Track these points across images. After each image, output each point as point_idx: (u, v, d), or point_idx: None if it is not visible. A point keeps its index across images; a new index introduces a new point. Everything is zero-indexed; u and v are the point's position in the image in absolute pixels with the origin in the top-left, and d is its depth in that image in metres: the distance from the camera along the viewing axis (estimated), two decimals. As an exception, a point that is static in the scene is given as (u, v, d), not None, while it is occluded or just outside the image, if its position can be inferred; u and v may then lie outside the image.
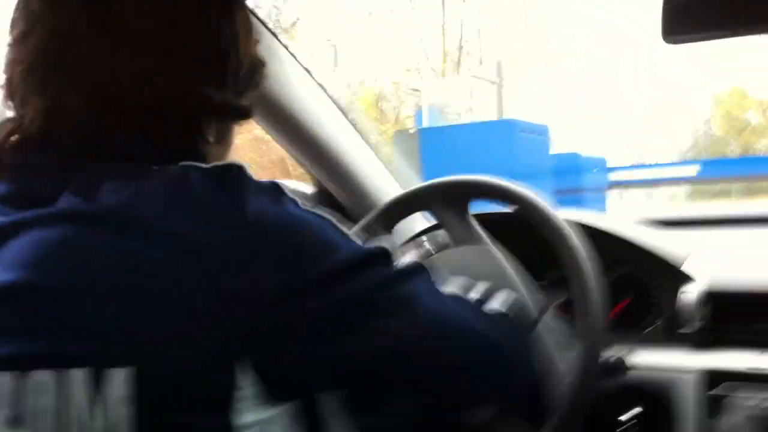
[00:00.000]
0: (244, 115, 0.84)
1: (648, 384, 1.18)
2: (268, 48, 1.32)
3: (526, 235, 1.14)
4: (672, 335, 1.25)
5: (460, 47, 21.47)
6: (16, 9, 0.77)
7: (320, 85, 1.48)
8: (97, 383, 0.64)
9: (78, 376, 0.64)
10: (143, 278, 0.65)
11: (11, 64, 0.76)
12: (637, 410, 1.16)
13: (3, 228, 0.70)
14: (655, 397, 1.17)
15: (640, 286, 1.34)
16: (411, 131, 14.13)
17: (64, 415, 0.64)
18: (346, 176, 1.54)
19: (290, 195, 0.75)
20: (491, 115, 18.05)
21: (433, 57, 21.50)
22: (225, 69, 0.79)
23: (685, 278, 1.27)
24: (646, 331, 1.30)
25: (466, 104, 19.50)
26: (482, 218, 1.40)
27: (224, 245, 0.67)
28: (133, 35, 0.74)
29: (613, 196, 16.19)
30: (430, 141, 12.33)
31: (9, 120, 0.76)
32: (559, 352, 1.03)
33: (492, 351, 0.87)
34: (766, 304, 1.22)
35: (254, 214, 0.69)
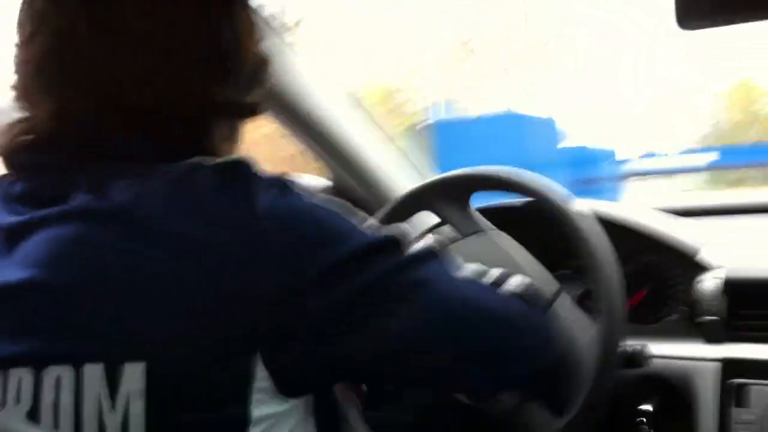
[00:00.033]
0: (251, 112, 0.84)
1: (668, 374, 1.17)
2: (278, 45, 1.33)
3: (541, 225, 1.14)
4: (690, 325, 1.24)
5: (473, 40, 21.41)
6: (22, 9, 0.78)
7: (333, 79, 1.48)
8: (112, 378, 0.65)
9: (94, 372, 0.65)
10: (143, 278, 0.66)
11: (21, 65, 0.77)
12: (656, 401, 1.16)
13: (17, 227, 0.71)
14: (675, 387, 1.16)
15: (657, 276, 1.33)
16: (423, 125, 14.11)
17: (82, 410, 0.65)
18: (360, 170, 1.54)
19: (298, 188, 0.75)
20: (503, 108, 17.98)
21: (446, 50, 21.44)
22: (226, 68, 0.79)
23: (703, 268, 1.27)
24: (664, 321, 1.30)
25: (479, 97, 19.44)
26: (495, 210, 1.40)
27: (224, 245, 0.67)
28: (133, 35, 0.74)
29: (627, 186, 16.11)
30: (442, 134, 12.30)
31: (20, 120, 0.76)
32: (576, 333, 1.03)
33: (513, 332, 0.86)
34: None
35: (262, 209, 0.69)
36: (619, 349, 1.02)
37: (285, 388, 0.71)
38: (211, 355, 0.66)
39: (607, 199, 1.59)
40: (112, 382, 0.65)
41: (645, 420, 1.14)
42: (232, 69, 0.79)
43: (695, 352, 1.19)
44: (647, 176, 17.60)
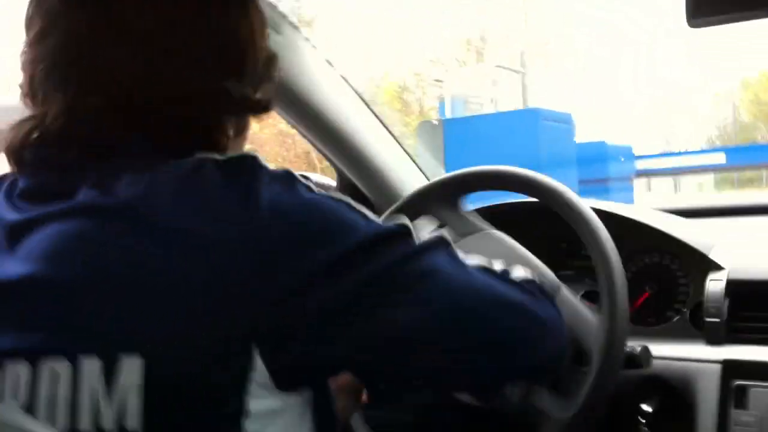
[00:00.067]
0: (258, 108, 0.83)
1: (668, 375, 1.17)
2: (290, 42, 1.33)
3: (543, 226, 1.14)
4: (697, 324, 1.24)
5: (483, 37, 21.36)
6: (30, 8, 0.78)
7: (343, 77, 1.49)
8: (109, 373, 0.64)
9: (91, 366, 0.65)
10: (146, 275, 0.66)
11: (33, 63, 0.76)
12: (658, 401, 1.16)
13: (20, 223, 0.71)
14: (676, 388, 1.17)
15: (666, 275, 1.33)
16: (434, 122, 14.08)
17: (77, 404, 0.65)
18: (370, 168, 1.55)
19: (304, 181, 0.74)
20: (515, 106, 17.94)
21: (456, 47, 21.40)
22: (230, 65, 0.79)
23: (712, 267, 1.26)
24: (670, 320, 1.30)
25: (490, 94, 19.39)
26: (496, 210, 1.41)
27: (229, 242, 0.67)
28: (134, 35, 0.74)
29: (639, 185, 16.02)
30: (453, 132, 12.28)
31: (29, 117, 0.76)
32: (580, 326, 1.04)
33: (522, 322, 0.85)
34: None
35: (268, 203, 0.69)
36: (624, 350, 1.03)
37: (283, 383, 0.71)
38: (210, 354, 0.66)
39: (620, 199, 1.59)
40: (109, 377, 0.64)
41: (645, 420, 1.14)
42: (237, 65, 0.79)
43: (696, 353, 1.19)
44: (660, 175, 17.51)
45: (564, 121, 13.13)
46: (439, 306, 0.76)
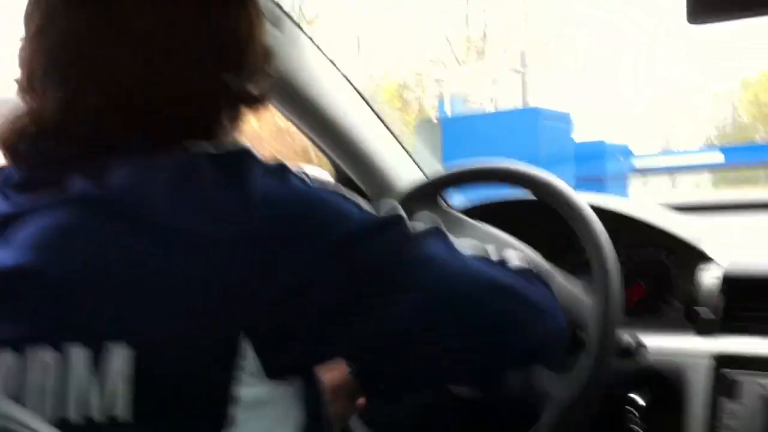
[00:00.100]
0: (255, 102, 0.83)
1: (660, 367, 1.19)
2: (291, 38, 1.34)
3: (543, 220, 1.15)
4: (689, 318, 1.25)
5: (484, 36, 21.33)
6: (31, 2, 0.77)
7: (344, 75, 1.50)
8: (96, 362, 0.64)
9: (78, 356, 0.65)
10: (139, 271, 0.66)
11: (31, 59, 0.76)
12: (649, 393, 1.17)
13: (13, 214, 0.71)
14: (667, 379, 1.18)
15: (659, 269, 1.34)
16: (434, 120, 14.05)
17: (64, 394, 0.65)
18: (368, 164, 1.55)
19: (297, 173, 0.74)
20: (515, 105, 17.91)
21: (456, 47, 21.37)
22: (230, 62, 0.79)
23: (705, 262, 1.28)
24: (663, 314, 1.31)
25: (489, 94, 19.37)
26: (494, 205, 1.42)
27: (230, 242, 0.67)
28: (134, 35, 0.74)
29: (636, 183, 15.99)
30: (452, 130, 12.26)
31: (27, 112, 0.76)
32: (576, 304, 1.05)
33: (519, 306, 0.85)
34: None
35: (262, 198, 0.69)
36: (616, 342, 1.04)
37: (275, 373, 0.71)
38: (202, 348, 0.66)
39: (615, 196, 1.60)
40: (97, 365, 0.64)
41: (637, 412, 1.16)
42: (237, 62, 0.80)
43: (688, 345, 1.20)
44: (657, 173, 17.47)
45: (563, 121, 13.12)
46: (435, 293, 0.77)
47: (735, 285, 1.24)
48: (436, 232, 0.81)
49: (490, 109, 17.45)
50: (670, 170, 17.37)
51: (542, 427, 1.02)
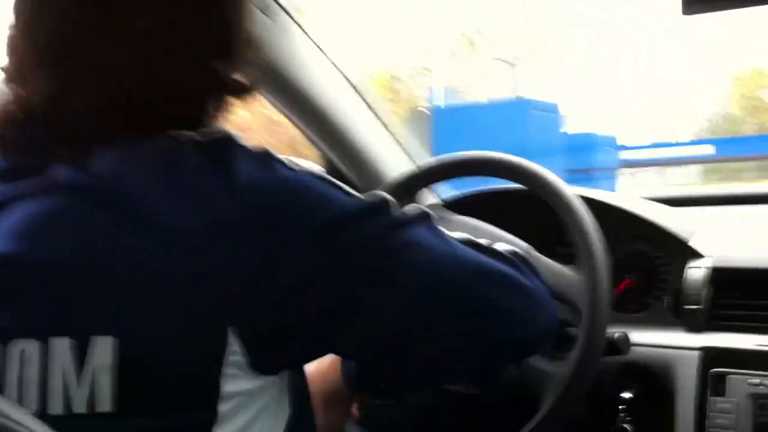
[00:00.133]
0: (245, 91, 0.83)
1: (649, 362, 1.18)
2: (281, 26, 1.33)
3: (531, 212, 1.15)
4: (677, 312, 1.25)
5: (476, 29, 21.31)
6: None
7: (334, 64, 1.49)
8: (80, 353, 0.64)
9: (62, 346, 0.64)
10: (130, 265, 0.65)
11: (22, 47, 0.75)
12: (637, 388, 1.17)
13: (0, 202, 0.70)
14: (656, 375, 1.18)
15: (647, 262, 1.34)
16: (424, 111, 14.04)
17: (48, 385, 0.65)
18: (359, 156, 1.54)
19: (282, 158, 0.74)
20: (505, 96, 17.92)
21: (448, 37, 21.34)
22: (228, 60, 0.79)
23: (693, 255, 1.28)
24: (651, 308, 1.31)
25: (481, 85, 19.37)
26: (484, 196, 1.42)
27: (216, 231, 0.67)
28: (134, 35, 0.73)
29: (625, 175, 16.04)
30: (443, 120, 12.27)
31: (14, 100, 0.75)
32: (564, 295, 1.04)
33: (511, 292, 0.85)
34: None
35: (247, 183, 0.69)
36: (604, 337, 1.03)
37: (261, 366, 0.70)
38: (203, 350, 0.66)
39: (604, 188, 1.60)
40: (80, 357, 0.64)
41: (625, 407, 1.15)
42: (234, 58, 0.80)
43: (676, 340, 1.20)
44: (645, 166, 17.52)
45: (551, 111, 13.15)
46: (422, 279, 0.76)
47: (724, 278, 1.24)
48: (423, 218, 0.80)
49: (481, 101, 17.43)
50: (660, 162, 17.43)
51: (532, 424, 1.02)
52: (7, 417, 0.52)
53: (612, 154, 14.58)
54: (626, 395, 1.16)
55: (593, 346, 1.00)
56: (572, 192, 1.09)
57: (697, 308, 1.22)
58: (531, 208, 1.18)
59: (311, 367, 1.01)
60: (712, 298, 1.23)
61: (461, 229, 1.07)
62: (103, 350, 0.64)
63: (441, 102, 15.67)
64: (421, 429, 1.22)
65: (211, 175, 0.69)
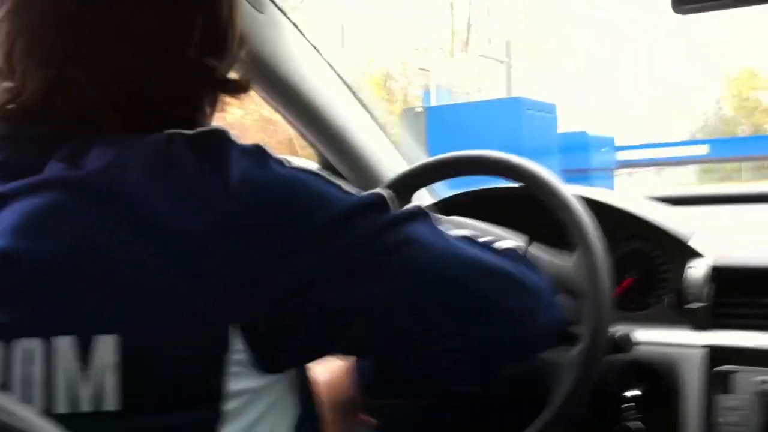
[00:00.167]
0: (239, 89, 0.82)
1: (654, 361, 1.18)
2: (272, 20, 1.32)
3: (529, 211, 1.14)
4: (678, 311, 1.24)
5: (469, 26, 21.38)
6: None
7: (329, 63, 1.48)
8: (83, 351, 0.63)
9: (65, 344, 0.64)
10: (127, 263, 0.65)
11: (8, 35, 0.74)
12: (641, 387, 1.16)
13: None
14: (661, 373, 1.17)
15: (647, 262, 1.33)
16: (418, 110, 14.08)
17: (52, 384, 0.64)
18: (354, 155, 1.54)
19: (276, 155, 0.73)
20: (500, 95, 17.99)
21: (442, 36, 21.41)
22: (227, 59, 0.79)
23: (693, 254, 1.27)
24: (653, 307, 1.30)
25: (475, 84, 19.43)
26: (482, 194, 1.41)
27: (208, 229, 0.66)
28: (134, 35, 0.73)
29: (622, 175, 16.12)
30: (437, 119, 12.30)
31: (5, 90, 0.74)
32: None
33: (513, 288, 0.84)
34: None
35: (241, 180, 0.68)
36: (606, 336, 1.02)
37: (265, 365, 0.70)
38: (202, 348, 0.65)
39: (601, 188, 1.59)
40: (83, 355, 0.63)
41: (630, 406, 1.14)
42: (220, 50, 0.79)
43: (681, 338, 1.19)
44: (642, 166, 17.61)
45: (547, 111, 13.19)
46: (421, 276, 0.75)
47: (723, 277, 1.23)
48: (422, 215, 0.79)
49: (476, 100, 17.49)
50: (656, 162, 17.51)
51: (537, 425, 1.01)
52: (15, 416, 0.51)
53: (609, 154, 14.64)
54: (630, 394, 1.15)
55: (596, 345, 0.99)
56: (570, 191, 1.08)
57: (700, 306, 1.21)
58: (528, 208, 1.17)
59: (321, 377, 1.01)
60: (714, 296, 1.22)
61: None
62: (107, 349, 0.63)
63: (436, 101, 15.70)
64: (421, 429, 1.21)
65: (210, 175, 0.68)
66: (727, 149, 17.43)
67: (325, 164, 1.57)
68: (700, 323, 1.21)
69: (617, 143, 15.93)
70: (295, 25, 1.38)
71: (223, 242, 0.66)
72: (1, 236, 0.66)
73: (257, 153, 0.72)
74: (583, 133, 14.72)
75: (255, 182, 0.69)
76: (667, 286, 1.30)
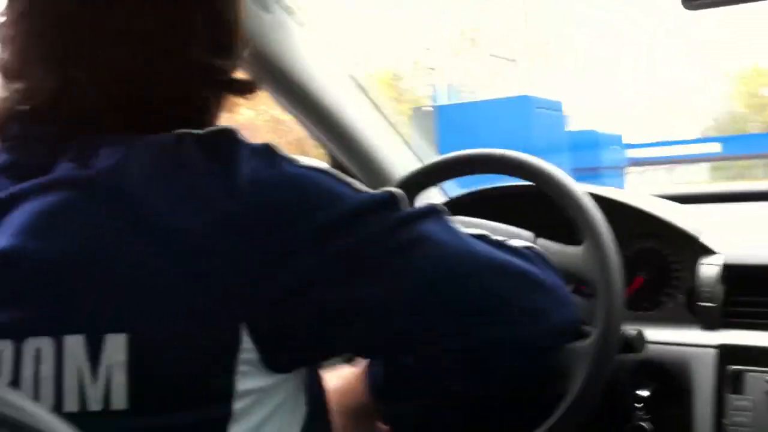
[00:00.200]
0: (248, 90, 0.82)
1: (664, 360, 1.17)
2: (279, 20, 1.32)
3: (537, 209, 1.14)
4: (690, 309, 1.24)
5: (478, 26, 21.35)
6: None
7: (338, 63, 1.48)
8: (93, 350, 0.63)
9: (75, 343, 0.64)
10: (134, 264, 0.65)
11: (18, 37, 0.75)
12: (653, 386, 1.16)
13: (4, 200, 0.70)
14: (672, 373, 1.16)
15: (659, 260, 1.33)
16: (428, 109, 14.07)
17: (62, 382, 0.64)
18: (364, 154, 1.54)
19: (285, 154, 0.73)
20: (509, 94, 17.95)
21: (451, 36, 21.39)
22: (229, 59, 0.79)
23: (705, 252, 1.26)
24: (664, 305, 1.29)
25: (483, 83, 19.40)
26: (491, 193, 1.41)
27: (218, 230, 0.66)
28: (134, 35, 0.73)
29: (633, 174, 16.05)
30: (446, 118, 12.29)
31: (15, 91, 0.74)
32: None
33: (529, 284, 0.83)
34: None
35: (251, 180, 0.68)
36: (618, 335, 1.02)
37: (277, 363, 0.70)
38: (211, 354, 0.65)
39: (611, 186, 1.59)
40: (94, 354, 0.63)
41: (641, 406, 1.14)
42: (234, 56, 0.80)
43: (692, 338, 1.19)
44: (652, 164, 17.53)
45: (555, 109, 13.16)
46: (435, 274, 0.74)
47: (736, 275, 1.23)
48: (434, 213, 0.78)
49: (485, 99, 17.46)
50: (667, 160, 17.42)
51: (545, 424, 1.00)
52: (26, 413, 0.51)
53: (619, 152, 14.58)
54: (642, 393, 1.15)
55: (608, 343, 0.99)
56: (581, 189, 1.08)
57: (713, 306, 1.20)
58: (537, 206, 1.16)
59: (334, 384, 1.01)
60: (725, 296, 1.21)
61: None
62: (117, 347, 0.63)
63: (445, 100, 15.69)
64: (421, 429, 1.21)
65: (212, 174, 0.68)
66: (739, 146, 17.34)
67: (336, 164, 1.57)
68: (712, 322, 1.20)
69: (627, 141, 15.89)
70: (304, 26, 1.38)
71: (222, 242, 0.66)
72: (12, 236, 0.67)
73: (267, 152, 0.72)
74: (593, 132, 14.69)
75: (260, 181, 0.69)
76: (679, 284, 1.29)
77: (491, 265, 0.80)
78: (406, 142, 1.62)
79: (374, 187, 0.77)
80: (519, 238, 0.97)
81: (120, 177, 0.67)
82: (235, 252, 0.66)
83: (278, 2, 1.31)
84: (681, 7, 0.77)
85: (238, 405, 0.67)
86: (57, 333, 0.64)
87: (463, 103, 15.16)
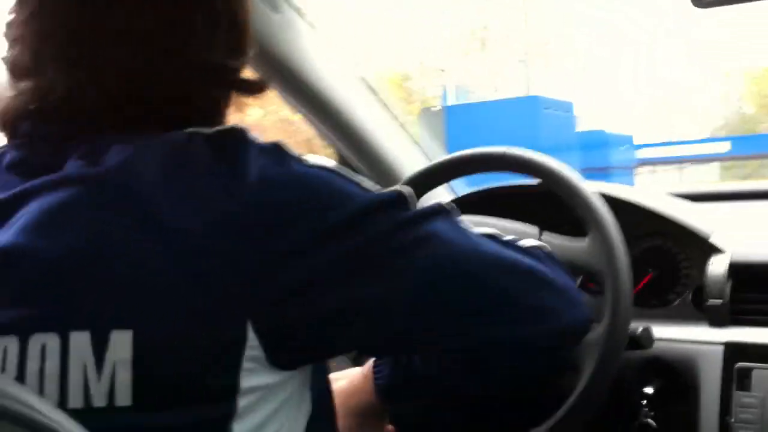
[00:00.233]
0: (257, 89, 0.82)
1: (671, 357, 1.17)
2: (288, 20, 1.33)
3: (546, 207, 1.14)
4: (699, 307, 1.24)
5: (486, 27, 21.32)
6: None
7: (347, 63, 1.49)
8: (99, 347, 0.64)
9: (81, 339, 0.64)
10: (139, 261, 0.65)
11: (27, 36, 0.75)
12: (660, 383, 1.16)
13: (13, 198, 0.70)
14: (678, 370, 1.16)
15: (667, 258, 1.33)
16: (436, 109, 14.05)
17: (67, 378, 0.64)
18: (373, 153, 1.54)
19: (294, 153, 0.73)
20: (518, 94, 17.92)
21: (459, 37, 21.36)
22: (230, 58, 0.79)
23: (714, 250, 1.26)
24: (672, 303, 1.30)
25: (492, 83, 19.37)
26: (499, 191, 1.41)
27: (225, 230, 0.66)
28: (134, 35, 0.73)
29: (643, 173, 15.98)
30: (455, 118, 12.27)
31: (28, 89, 0.74)
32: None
33: (538, 283, 0.83)
34: None
35: (259, 179, 0.68)
36: (627, 332, 1.02)
37: (278, 362, 0.70)
38: (211, 355, 0.66)
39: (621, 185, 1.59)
40: (99, 351, 0.64)
41: (647, 402, 1.14)
42: (238, 54, 0.80)
43: (699, 335, 1.19)
44: (662, 164, 17.44)
45: (564, 110, 13.12)
46: (441, 273, 0.75)
47: (743, 273, 1.22)
48: (441, 212, 0.78)
49: (494, 99, 17.43)
50: (677, 160, 17.33)
51: (552, 420, 1.00)
52: (33, 408, 0.51)
53: (628, 152, 14.53)
54: (649, 390, 1.15)
55: (615, 340, 0.99)
56: (590, 187, 1.08)
57: (719, 302, 1.20)
58: (544, 204, 1.16)
59: (340, 384, 1.01)
60: (734, 293, 1.21)
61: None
62: (123, 344, 0.64)
63: (454, 101, 15.67)
64: (421, 429, 1.21)
65: (214, 174, 0.68)
66: (749, 146, 17.24)
67: (345, 164, 1.57)
68: (720, 320, 1.20)
69: (637, 141, 15.82)
70: (313, 26, 1.38)
71: (222, 242, 0.66)
72: (20, 233, 0.67)
73: (276, 150, 0.72)
74: (602, 132, 14.64)
75: (272, 180, 0.69)
76: (687, 282, 1.29)
77: (499, 263, 0.80)
78: (416, 143, 1.62)
79: (383, 187, 0.77)
80: (524, 232, 0.97)
81: (129, 175, 0.68)
82: (234, 252, 0.66)
83: (288, 2, 1.31)
84: (681, 7, 0.77)
85: (242, 402, 0.67)
86: (63, 329, 0.64)
87: (471, 104, 15.13)
